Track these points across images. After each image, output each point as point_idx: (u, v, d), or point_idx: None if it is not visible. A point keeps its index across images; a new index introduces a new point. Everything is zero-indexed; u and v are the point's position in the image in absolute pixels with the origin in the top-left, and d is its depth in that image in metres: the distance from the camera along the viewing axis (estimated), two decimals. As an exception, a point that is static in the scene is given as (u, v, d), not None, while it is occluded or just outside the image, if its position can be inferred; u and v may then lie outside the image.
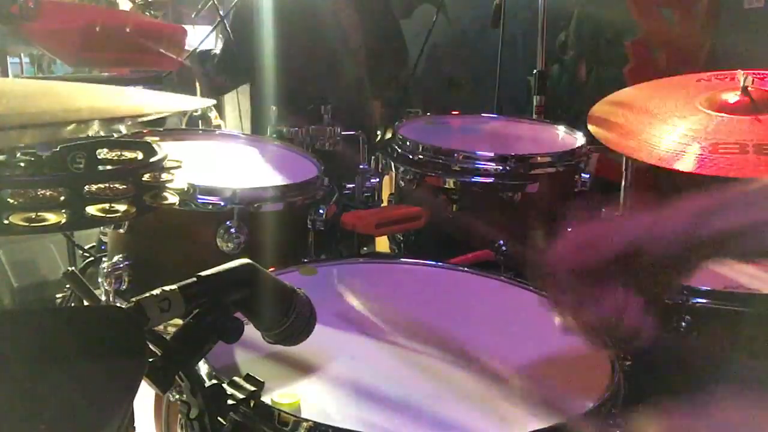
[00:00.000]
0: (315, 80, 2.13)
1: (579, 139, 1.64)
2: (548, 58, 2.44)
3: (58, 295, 1.89)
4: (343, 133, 1.71)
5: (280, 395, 0.78)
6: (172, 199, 0.84)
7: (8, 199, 0.70)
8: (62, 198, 0.73)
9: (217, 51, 2.33)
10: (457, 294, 1.14)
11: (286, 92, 1.98)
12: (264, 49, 2.08)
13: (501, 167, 1.44)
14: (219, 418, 0.74)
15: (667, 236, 0.76)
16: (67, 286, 1.69)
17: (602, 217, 0.85)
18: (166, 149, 0.89)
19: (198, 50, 2.32)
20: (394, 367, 0.90)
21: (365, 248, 1.57)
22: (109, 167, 0.81)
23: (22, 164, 0.77)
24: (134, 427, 1.13)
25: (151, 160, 0.84)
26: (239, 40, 2.19)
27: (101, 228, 1.43)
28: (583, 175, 1.56)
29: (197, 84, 2.46)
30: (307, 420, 0.73)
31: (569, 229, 0.81)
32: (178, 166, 0.88)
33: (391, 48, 2.41)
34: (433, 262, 1.24)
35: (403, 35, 2.48)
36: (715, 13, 3.02)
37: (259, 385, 0.76)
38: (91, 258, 1.54)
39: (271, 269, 1.10)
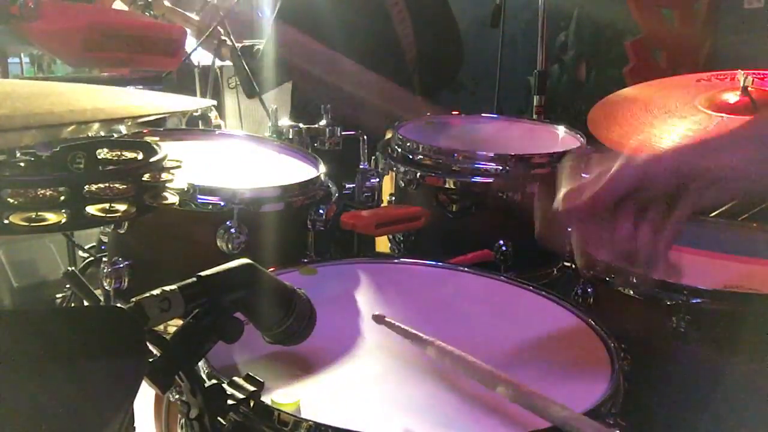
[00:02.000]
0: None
1: (579, 139, 1.64)
2: (548, 58, 2.44)
3: (58, 295, 1.89)
4: (343, 133, 1.71)
5: (280, 395, 0.78)
6: (172, 199, 0.84)
7: (8, 199, 0.70)
8: (62, 198, 0.72)
9: (260, 46, 2.29)
10: (457, 294, 1.14)
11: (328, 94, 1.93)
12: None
13: (501, 167, 1.44)
14: (219, 418, 0.74)
15: (662, 174, 0.80)
16: (67, 286, 1.69)
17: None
18: (166, 149, 0.89)
19: (240, 46, 2.31)
20: (394, 367, 0.90)
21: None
22: (109, 167, 0.81)
23: (22, 164, 0.77)
24: (134, 427, 1.13)
25: (151, 160, 0.84)
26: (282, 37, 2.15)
27: (101, 228, 1.43)
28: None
29: (238, 82, 2.44)
30: (307, 420, 0.73)
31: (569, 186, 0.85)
32: (178, 166, 0.88)
33: (447, 51, 2.38)
34: (433, 262, 1.24)
35: (460, 37, 2.44)
36: (715, 13, 3.02)
37: (259, 385, 0.76)
38: (91, 258, 1.54)
39: (271, 269, 1.10)
